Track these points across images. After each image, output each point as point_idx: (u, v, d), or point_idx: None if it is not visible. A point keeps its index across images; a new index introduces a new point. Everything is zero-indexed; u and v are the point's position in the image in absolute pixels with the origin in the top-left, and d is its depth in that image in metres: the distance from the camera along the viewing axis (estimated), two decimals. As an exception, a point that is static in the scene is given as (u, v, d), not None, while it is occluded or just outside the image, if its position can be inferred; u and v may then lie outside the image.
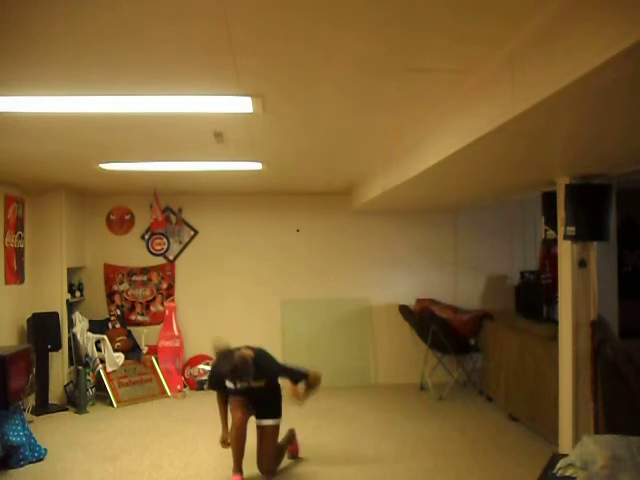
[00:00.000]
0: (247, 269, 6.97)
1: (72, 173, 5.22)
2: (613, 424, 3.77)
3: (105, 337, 6.21)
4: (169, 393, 6.33)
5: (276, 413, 4.20)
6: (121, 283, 6.87)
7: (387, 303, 6.93)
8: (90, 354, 6.12)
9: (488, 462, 4.29)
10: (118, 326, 6.61)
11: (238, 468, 4.03)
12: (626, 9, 1.48)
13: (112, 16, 1.90)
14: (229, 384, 4.10)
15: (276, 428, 4.16)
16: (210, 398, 6.29)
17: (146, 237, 6.89)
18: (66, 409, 5.76)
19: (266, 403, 4.20)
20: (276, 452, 4.19)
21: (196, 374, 6.71)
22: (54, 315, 5.82)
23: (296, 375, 4.30)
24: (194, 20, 1.94)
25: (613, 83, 1.83)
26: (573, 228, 3.80)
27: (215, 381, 4.31)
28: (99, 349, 6.17)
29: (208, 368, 6.73)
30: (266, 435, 4.14)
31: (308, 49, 2.23)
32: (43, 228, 6.06)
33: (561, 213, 3.95)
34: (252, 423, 4.12)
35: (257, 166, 4.85)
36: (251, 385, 4.06)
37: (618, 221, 5.42)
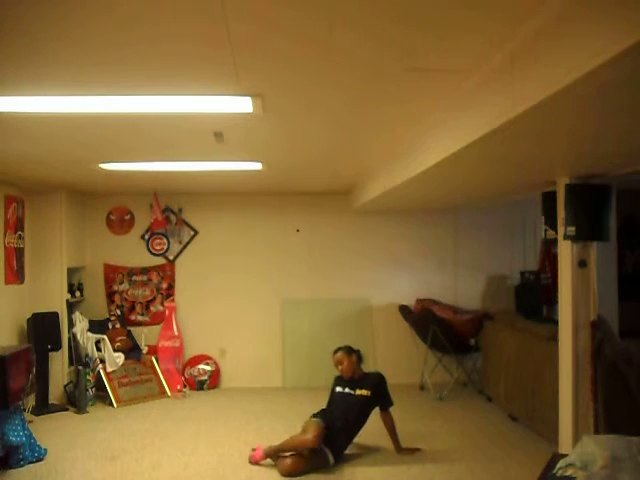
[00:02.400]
0: (247, 269, 6.97)
1: (72, 173, 5.21)
2: (613, 424, 3.77)
3: (105, 337, 6.21)
4: (169, 393, 6.32)
5: (338, 452, 4.31)
6: (121, 283, 6.87)
7: (387, 303, 6.93)
8: (90, 354, 6.12)
9: (488, 462, 4.29)
10: (118, 326, 6.61)
11: (269, 453, 4.20)
12: (626, 10, 1.48)
13: (111, 16, 1.89)
14: (338, 388, 4.57)
15: (323, 457, 4.21)
16: (209, 398, 6.30)
17: (146, 237, 6.89)
18: (66, 409, 5.76)
19: (348, 431, 4.37)
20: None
21: (196, 374, 6.71)
22: (54, 315, 5.81)
23: (388, 401, 4.54)
24: (194, 19, 1.94)
25: (613, 82, 1.83)
26: (573, 228, 3.80)
27: (332, 385, 4.68)
28: (99, 349, 6.17)
29: (208, 368, 6.75)
30: (312, 454, 4.19)
31: (308, 49, 2.22)
32: (43, 228, 6.07)
33: (561, 213, 3.95)
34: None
35: (257, 166, 4.85)
36: (356, 392, 4.47)
37: (618, 221, 5.43)
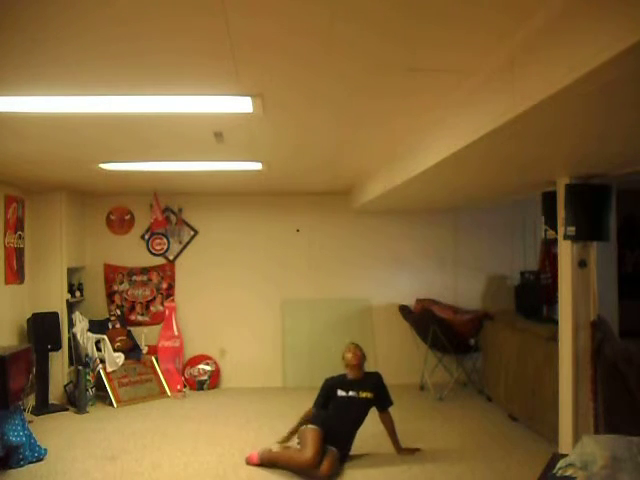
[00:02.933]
0: (247, 269, 6.97)
1: (72, 173, 5.21)
2: (613, 424, 3.77)
3: (105, 337, 6.21)
4: (169, 393, 6.32)
5: (345, 450, 4.31)
6: (121, 283, 6.87)
7: (387, 303, 6.93)
8: (90, 354, 6.12)
9: (488, 462, 4.29)
10: (118, 326, 6.61)
11: (263, 460, 4.19)
12: (628, 7, 1.47)
13: (111, 15, 1.89)
14: (340, 392, 4.43)
15: (336, 457, 4.18)
16: (209, 398, 6.30)
17: (146, 237, 6.89)
18: (66, 409, 5.76)
19: (349, 434, 4.35)
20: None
21: (196, 374, 6.71)
22: (54, 315, 5.81)
23: (388, 401, 4.53)
24: (194, 19, 1.94)
25: (615, 82, 1.82)
26: (573, 228, 3.80)
27: (326, 388, 4.52)
28: (99, 349, 6.17)
29: (208, 368, 6.75)
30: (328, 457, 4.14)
31: (308, 48, 2.22)
32: (43, 228, 6.07)
33: (561, 213, 3.95)
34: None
35: (257, 166, 4.85)
36: (360, 395, 4.41)
37: (618, 221, 5.43)
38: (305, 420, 4.39)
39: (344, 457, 4.29)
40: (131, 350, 6.47)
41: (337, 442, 4.24)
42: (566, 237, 3.87)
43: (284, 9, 1.90)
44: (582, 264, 3.91)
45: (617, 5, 1.53)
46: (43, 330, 5.66)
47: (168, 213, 6.89)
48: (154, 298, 6.90)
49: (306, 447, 4.11)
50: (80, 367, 5.91)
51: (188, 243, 6.96)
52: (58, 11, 1.86)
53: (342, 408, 4.40)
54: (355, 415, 4.38)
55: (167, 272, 6.92)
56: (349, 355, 4.53)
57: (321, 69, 2.50)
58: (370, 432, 4.57)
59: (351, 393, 4.43)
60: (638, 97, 2.07)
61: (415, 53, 2.30)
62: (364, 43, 2.19)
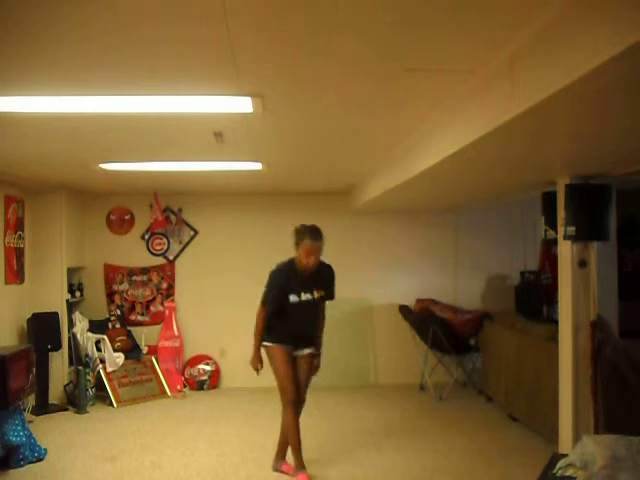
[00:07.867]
0: (247, 269, 6.95)
1: (72, 173, 5.22)
2: (613, 424, 3.77)
3: (105, 337, 6.21)
4: (169, 393, 6.33)
5: (317, 343, 4.00)
6: (121, 283, 6.87)
7: (387, 303, 6.93)
8: (90, 354, 6.12)
9: (488, 462, 4.29)
10: (118, 326, 6.61)
11: (302, 463, 3.91)
12: (624, 10, 1.48)
13: (112, 16, 1.90)
14: (293, 297, 3.68)
15: (312, 356, 3.97)
16: (209, 398, 6.30)
17: (146, 237, 6.89)
18: (66, 409, 5.76)
19: (311, 328, 3.92)
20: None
21: (196, 374, 6.71)
22: (54, 315, 5.82)
23: (332, 294, 3.94)
24: (194, 20, 1.94)
25: (612, 84, 1.83)
26: (573, 228, 3.80)
27: (277, 293, 3.68)
28: (99, 349, 6.17)
29: (208, 368, 6.74)
30: (305, 364, 3.95)
31: (308, 49, 2.23)
32: (43, 228, 6.07)
33: (561, 213, 3.95)
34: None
35: (257, 166, 4.86)
36: (315, 296, 3.75)
37: (618, 221, 5.42)
38: (263, 331, 3.84)
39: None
40: (131, 350, 6.47)
41: (305, 343, 3.97)
42: (566, 237, 3.88)
43: (283, 20, 1.93)
44: (582, 264, 3.91)
45: (613, 9, 1.54)
46: (43, 330, 5.66)
47: (168, 213, 6.89)
48: (154, 298, 6.91)
49: (285, 385, 3.82)
50: (80, 367, 5.91)
51: (188, 243, 6.96)
52: (63, 15, 1.87)
53: (299, 316, 3.78)
54: (314, 316, 3.93)
55: (167, 272, 6.92)
56: (310, 258, 3.58)
57: (320, 78, 2.52)
58: (367, 429, 4.56)
59: (305, 297, 3.73)
60: (633, 99, 2.08)
61: (412, 60, 2.32)
62: (362, 48, 2.21)
